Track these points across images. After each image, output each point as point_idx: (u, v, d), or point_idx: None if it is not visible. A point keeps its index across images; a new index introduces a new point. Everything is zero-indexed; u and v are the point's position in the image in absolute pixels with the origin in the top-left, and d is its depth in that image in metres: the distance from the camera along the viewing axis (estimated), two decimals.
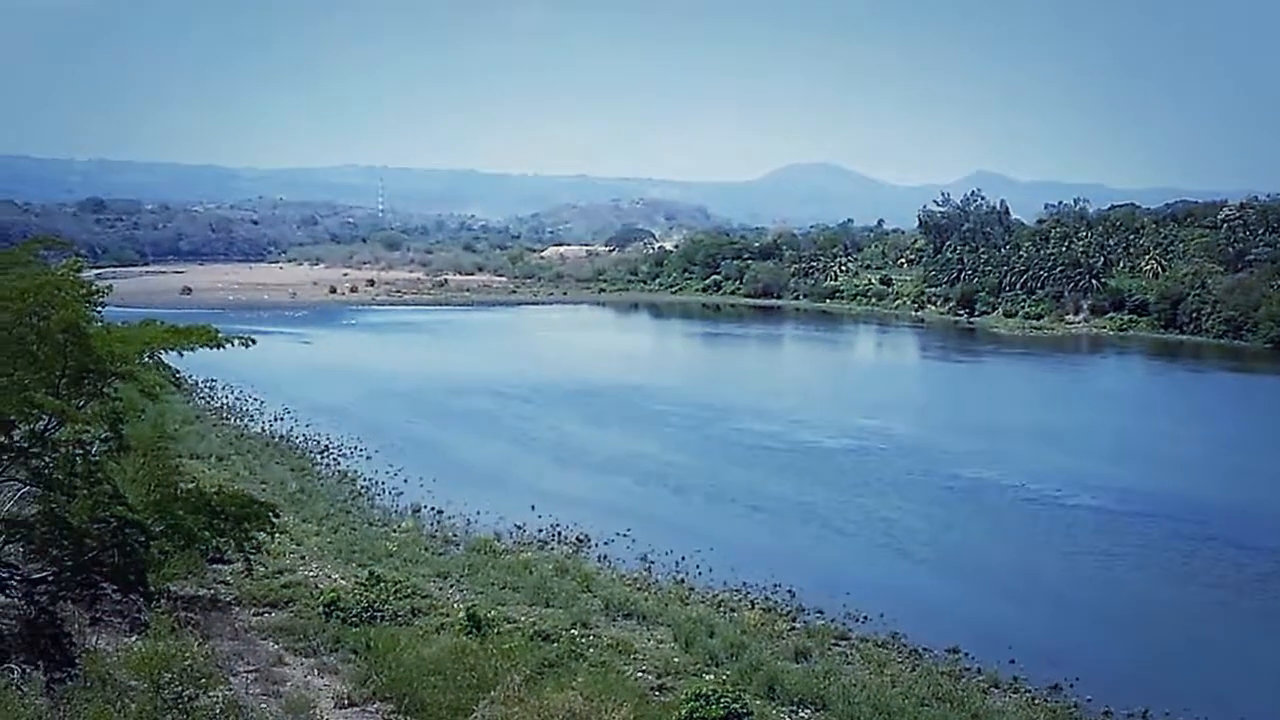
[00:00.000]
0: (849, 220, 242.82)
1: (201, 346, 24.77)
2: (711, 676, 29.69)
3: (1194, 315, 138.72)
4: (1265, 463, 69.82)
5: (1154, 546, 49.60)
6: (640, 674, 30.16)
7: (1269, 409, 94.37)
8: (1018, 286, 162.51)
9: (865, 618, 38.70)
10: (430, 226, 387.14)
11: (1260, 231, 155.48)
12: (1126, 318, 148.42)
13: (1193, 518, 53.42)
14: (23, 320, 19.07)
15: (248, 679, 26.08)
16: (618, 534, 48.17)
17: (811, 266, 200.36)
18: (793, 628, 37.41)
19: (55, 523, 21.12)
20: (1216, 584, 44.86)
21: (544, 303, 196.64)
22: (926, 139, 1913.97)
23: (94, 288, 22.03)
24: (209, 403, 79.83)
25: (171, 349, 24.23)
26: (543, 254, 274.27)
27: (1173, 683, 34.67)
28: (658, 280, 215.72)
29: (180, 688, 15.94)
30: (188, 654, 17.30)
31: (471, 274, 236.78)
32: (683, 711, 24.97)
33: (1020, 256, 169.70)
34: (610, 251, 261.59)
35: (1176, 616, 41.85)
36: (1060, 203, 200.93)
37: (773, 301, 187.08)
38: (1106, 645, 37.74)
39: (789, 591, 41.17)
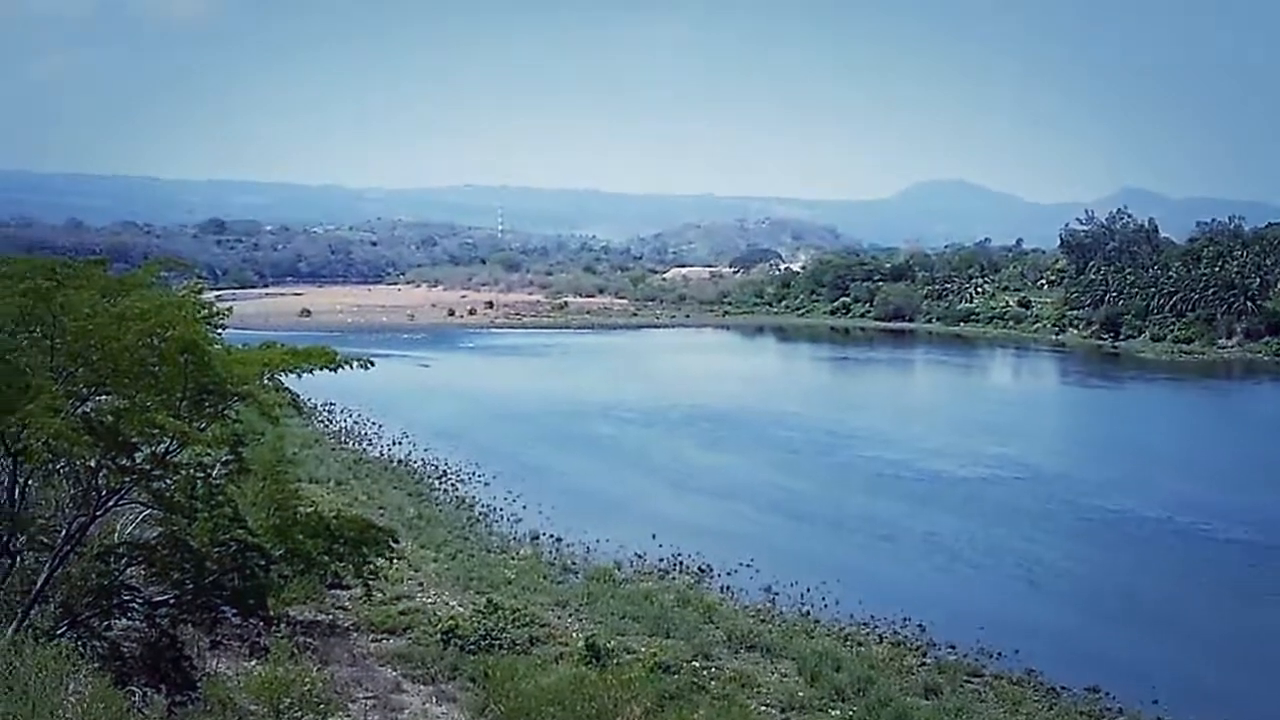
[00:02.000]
0: (986, 239, 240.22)
1: (320, 369, 25.14)
2: (838, 713, 29.85)
3: None
4: None
5: None
6: (763, 708, 30.16)
7: None
8: (1166, 309, 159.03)
9: (999, 654, 38.11)
10: (550, 247, 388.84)
11: None
12: None
13: None
14: (144, 341, 19.47)
15: (366, 705, 26.60)
16: (741, 564, 48.01)
17: (945, 288, 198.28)
18: (923, 663, 37.14)
19: (176, 545, 21.65)
20: None
21: (666, 326, 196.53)
22: (1068, 153, 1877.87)
23: (214, 309, 22.40)
24: (327, 426, 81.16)
25: (291, 371, 24.58)
26: (665, 275, 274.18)
27: None
28: (784, 303, 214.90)
29: (299, 713, 16.31)
30: (307, 679, 17.71)
31: (592, 296, 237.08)
32: None
33: (1169, 277, 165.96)
34: (735, 273, 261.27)
35: None
36: (1214, 220, 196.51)
37: (904, 325, 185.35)
38: (1252, 688, 36.94)
39: (919, 625, 40.80)
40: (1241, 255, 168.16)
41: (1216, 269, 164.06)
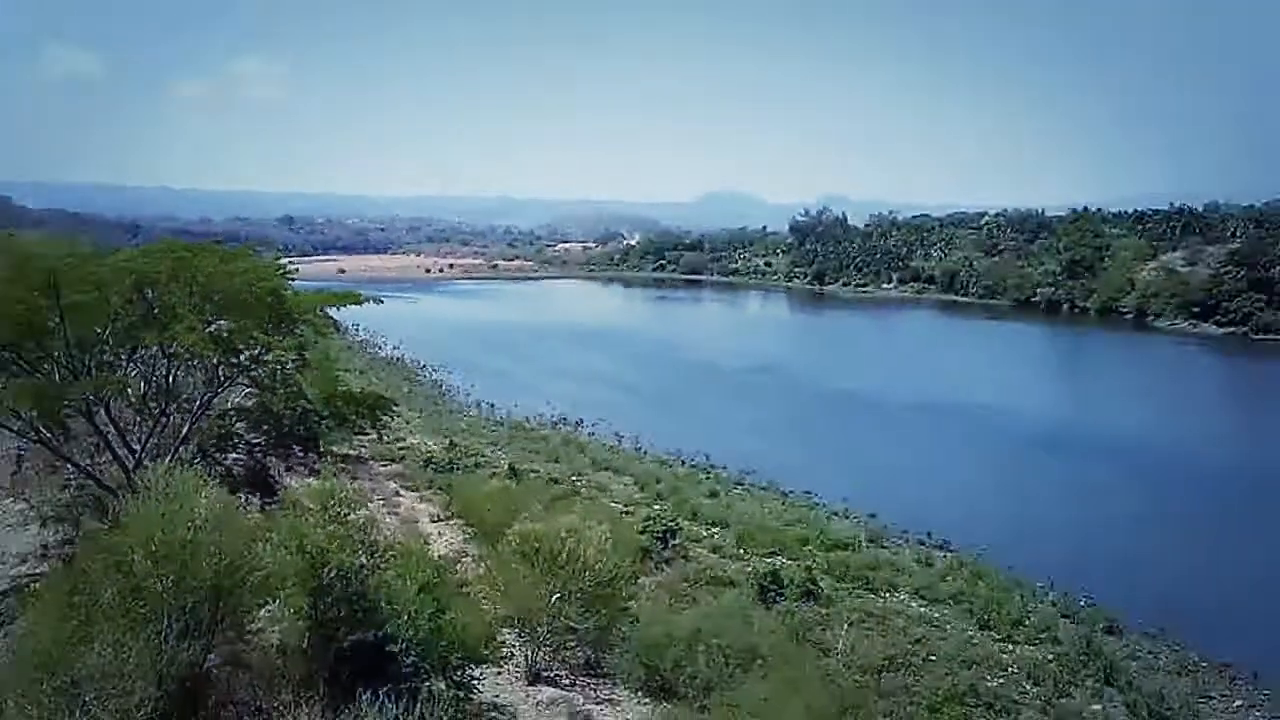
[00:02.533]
0: (744, 226, 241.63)
1: (349, 305, 25.50)
2: (658, 506, 30.53)
3: (964, 284, 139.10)
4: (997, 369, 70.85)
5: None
6: (614, 504, 30.80)
7: (1004, 340, 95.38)
8: (852, 268, 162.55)
9: (752, 471, 39.08)
10: (487, 232, 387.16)
11: (1008, 231, 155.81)
12: (922, 286, 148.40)
13: None
14: (245, 288, 19.71)
15: (378, 504, 27.27)
16: (599, 419, 48.78)
17: (721, 255, 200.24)
18: (709, 478, 38.12)
19: (265, 410, 21.92)
20: None
21: (556, 278, 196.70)
22: (791, 167, 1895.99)
23: (286, 269, 22.49)
24: (355, 340, 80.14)
25: (332, 306, 24.93)
26: (555, 248, 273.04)
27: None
28: (625, 265, 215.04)
29: (339, 509, 16.84)
30: (343, 489, 18.25)
31: (512, 261, 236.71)
32: (639, 527, 26.24)
33: (854, 247, 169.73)
34: (597, 247, 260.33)
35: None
36: (879, 214, 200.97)
37: (698, 278, 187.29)
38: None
39: (705, 456, 41.54)
40: (896, 235, 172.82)
41: (881, 243, 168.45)
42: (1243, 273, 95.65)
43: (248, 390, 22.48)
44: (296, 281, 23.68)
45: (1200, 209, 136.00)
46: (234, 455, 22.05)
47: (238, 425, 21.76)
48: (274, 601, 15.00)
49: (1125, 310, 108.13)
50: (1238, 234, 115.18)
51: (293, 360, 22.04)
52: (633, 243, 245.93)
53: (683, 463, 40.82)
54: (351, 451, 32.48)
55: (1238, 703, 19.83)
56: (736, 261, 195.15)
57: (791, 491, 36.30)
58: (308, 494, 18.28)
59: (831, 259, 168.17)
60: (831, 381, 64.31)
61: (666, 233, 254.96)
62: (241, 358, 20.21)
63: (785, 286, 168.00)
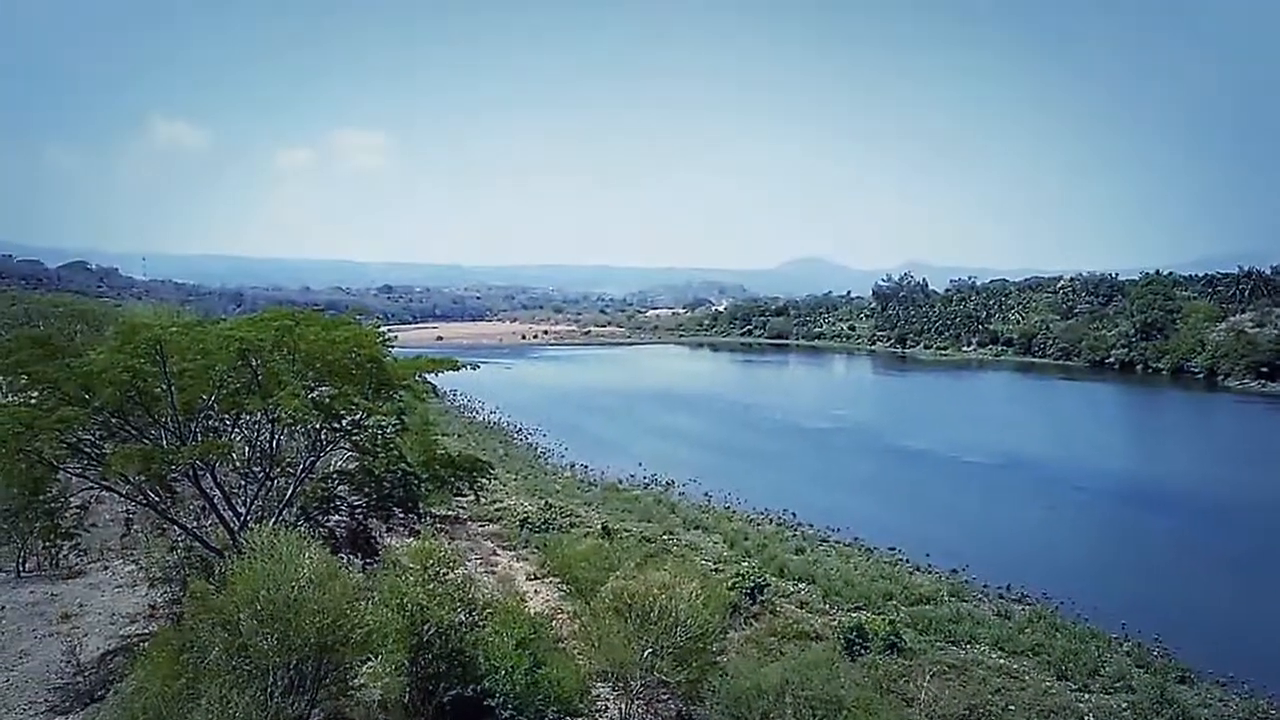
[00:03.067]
0: (829, 291, 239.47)
1: (447, 370, 25.42)
2: (746, 564, 29.88)
3: (1041, 346, 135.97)
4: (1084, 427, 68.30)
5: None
6: (704, 561, 30.34)
7: (1084, 397, 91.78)
8: (933, 331, 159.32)
9: (841, 528, 37.93)
10: (580, 299, 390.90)
11: (1083, 295, 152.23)
12: (1000, 348, 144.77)
13: None
14: (346, 355, 19.72)
15: (476, 562, 26.90)
16: (691, 479, 48.11)
17: (807, 320, 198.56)
18: (794, 534, 37.18)
19: (367, 473, 21.80)
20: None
21: (647, 344, 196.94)
22: (874, 235, 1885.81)
23: (386, 337, 22.55)
24: (452, 404, 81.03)
25: (430, 372, 24.86)
26: (646, 314, 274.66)
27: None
28: (714, 329, 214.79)
29: (437, 568, 16.50)
30: (441, 548, 17.91)
31: (604, 327, 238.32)
32: (729, 583, 25.31)
33: (935, 311, 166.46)
34: (686, 312, 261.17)
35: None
36: (959, 279, 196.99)
37: (783, 341, 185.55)
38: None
39: (792, 513, 40.75)
40: (975, 299, 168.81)
41: (961, 307, 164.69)
42: None
43: (349, 454, 22.48)
44: (395, 348, 23.71)
45: (1269, 271, 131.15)
46: (336, 517, 22.06)
47: (340, 488, 21.74)
48: (375, 658, 14.64)
49: (1196, 370, 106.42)
50: None
51: (392, 424, 21.99)
52: (720, 308, 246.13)
53: (770, 520, 40.08)
54: (450, 513, 32.37)
55: None
56: (821, 326, 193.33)
57: (876, 547, 35.62)
58: (408, 554, 18.02)
59: (913, 323, 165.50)
60: (914, 440, 62.79)
61: (753, 299, 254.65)
62: (343, 422, 20.21)
63: (869, 350, 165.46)
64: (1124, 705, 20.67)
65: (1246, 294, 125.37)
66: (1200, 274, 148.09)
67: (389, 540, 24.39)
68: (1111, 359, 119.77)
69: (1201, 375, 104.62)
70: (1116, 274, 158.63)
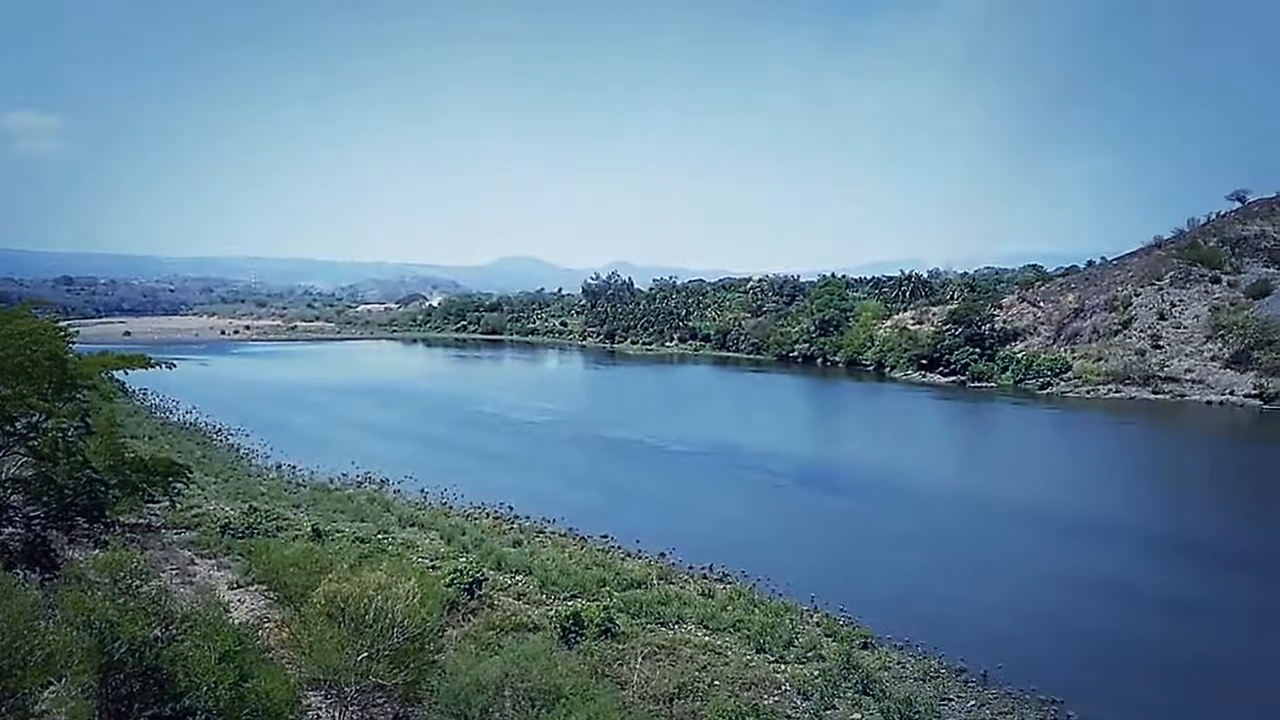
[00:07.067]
0: (541, 289, 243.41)
1: (138, 368, 23.62)
2: (464, 559, 29.79)
3: (735, 341, 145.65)
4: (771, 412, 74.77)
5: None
6: (420, 559, 29.98)
7: (773, 388, 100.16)
8: (638, 327, 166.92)
9: (556, 519, 38.89)
10: (285, 293, 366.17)
11: (770, 295, 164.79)
12: (699, 343, 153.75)
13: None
14: (22, 351, 17.88)
15: (171, 574, 25.07)
16: (405, 475, 47.26)
17: (520, 315, 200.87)
18: (512, 527, 37.61)
19: (46, 480, 19.82)
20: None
21: (357, 339, 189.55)
22: (581, 235, 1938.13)
23: (66, 331, 20.61)
24: (143, 404, 73.63)
25: (118, 369, 23.02)
26: (356, 309, 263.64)
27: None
28: (427, 325, 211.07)
29: (129, 580, 15.57)
30: (133, 559, 16.82)
31: (311, 322, 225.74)
32: (446, 580, 25.49)
33: (640, 309, 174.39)
34: (398, 307, 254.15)
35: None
36: (661, 278, 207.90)
37: (498, 337, 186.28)
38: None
39: (509, 506, 41.20)
40: (675, 297, 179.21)
41: (663, 305, 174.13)
42: (960, 330, 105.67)
43: (24, 460, 20.23)
44: (77, 345, 21.63)
45: (925, 275, 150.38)
46: (10, 530, 19.71)
47: (13, 497, 19.49)
48: (59, 681, 13.58)
49: (868, 363, 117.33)
50: (955, 296, 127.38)
51: (75, 427, 20.12)
52: (434, 304, 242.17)
53: (487, 515, 40.05)
54: (141, 521, 29.70)
55: (971, 703, 21.42)
56: (535, 321, 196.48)
57: (590, 536, 36.45)
58: (94, 566, 16.62)
59: (621, 319, 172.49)
60: (623, 431, 65.17)
61: (467, 294, 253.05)
62: (17, 425, 18.22)
63: (580, 344, 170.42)
64: (816, 673, 22.04)
65: (908, 295, 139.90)
66: (869, 276, 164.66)
67: (72, 553, 22.12)
68: (795, 353, 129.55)
69: (872, 367, 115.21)
70: (798, 275, 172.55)
